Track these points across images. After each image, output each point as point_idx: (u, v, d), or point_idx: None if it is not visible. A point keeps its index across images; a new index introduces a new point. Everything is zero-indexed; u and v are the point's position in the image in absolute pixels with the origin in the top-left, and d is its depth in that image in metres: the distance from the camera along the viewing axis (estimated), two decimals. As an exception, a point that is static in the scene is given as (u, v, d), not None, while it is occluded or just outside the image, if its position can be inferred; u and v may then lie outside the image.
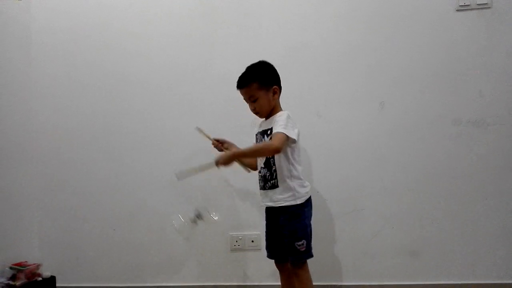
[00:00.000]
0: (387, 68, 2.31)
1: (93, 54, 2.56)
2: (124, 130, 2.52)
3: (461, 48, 2.26)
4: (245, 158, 1.91)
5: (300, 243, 1.76)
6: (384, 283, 2.27)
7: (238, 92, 1.88)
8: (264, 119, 1.93)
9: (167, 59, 2.49)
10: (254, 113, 1.91)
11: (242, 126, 2.22)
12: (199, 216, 1.91)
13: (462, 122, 2.24)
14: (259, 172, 1.90)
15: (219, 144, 2.02)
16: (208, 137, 2.04)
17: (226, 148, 2.00)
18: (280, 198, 1.80)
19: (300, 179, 1.82)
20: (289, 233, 1.79)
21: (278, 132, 1.72)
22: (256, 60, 1.90)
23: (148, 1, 2.51)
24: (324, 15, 2.36)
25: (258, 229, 2.27)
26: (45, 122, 2.58)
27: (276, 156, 1.80)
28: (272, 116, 1.86)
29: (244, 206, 2.34)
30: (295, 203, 1.79)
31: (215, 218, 1.99)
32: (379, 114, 2.30)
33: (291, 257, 1.80)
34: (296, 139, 1.77)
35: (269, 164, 1.83)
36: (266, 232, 1.96)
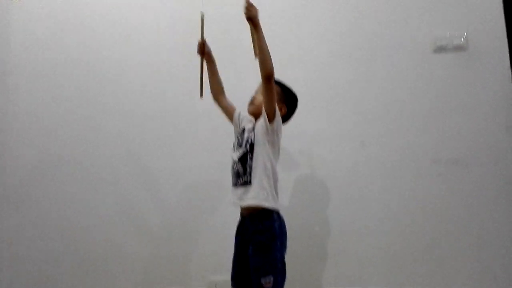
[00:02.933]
0: (368, 108, 2.33)
1: (75, 48, 2.60)
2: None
3: (439, 88, 2.31)
4: (256, 34, 1.72)
5: (266, 279, 1.61)
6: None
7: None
8: (247, 116, 1.88)
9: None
10: (250, 102, 1.86)
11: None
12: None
13: (442, 161, 2.26)
14: (232, 167, 1.79)
15: (203, 46, 1.93)
16: (202, 33, 1.92)
17: (204, 54, 1.93)
18: (251, 196, 1.69)
19: (276, 186, 1.73)
20: (256, 267, 1.64)
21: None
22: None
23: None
24: (305, 54, 2.40)
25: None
26: None
27: (256, 150, 1.71)
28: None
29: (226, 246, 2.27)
30: (264, 206, 1.67)
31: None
32: (360, 153, 2.30)
33: None
34: (280, 128, 1.74)
35: (245, 159, 1.73)
36: (234, 260, 1.79)
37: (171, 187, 2.43)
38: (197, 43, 1.92)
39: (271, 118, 1.71)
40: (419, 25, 2.35)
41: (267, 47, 1.69)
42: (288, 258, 1.74)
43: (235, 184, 1.78)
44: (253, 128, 1.78)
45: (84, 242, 2.45)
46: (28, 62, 2.62)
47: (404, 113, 2.31)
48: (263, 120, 1.73)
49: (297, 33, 2.43)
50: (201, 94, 1.91)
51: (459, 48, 2.30)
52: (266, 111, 1.71)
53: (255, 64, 1.70)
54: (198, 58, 1.93)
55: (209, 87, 1.96)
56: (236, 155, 1.79)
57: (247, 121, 1.88)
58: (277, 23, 2.41)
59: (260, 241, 1.67)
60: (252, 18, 1.70)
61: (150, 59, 2.54)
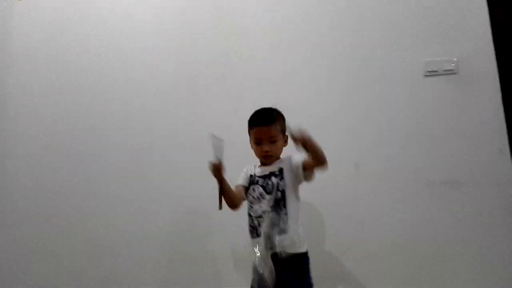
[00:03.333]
0: (362, 131, 2.36)
1: (75, 48, 2.67)
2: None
3: (432, 112, 2.33)
4: (310, 150, 1.64)
5: None
6: None
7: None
8: (252, 168, 1.88)
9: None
10: (264, 155, 1.80)
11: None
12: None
13: (437, 183, 2.26)
14: (260, 217, 1.73)
15: (218, 167, 1.72)
16: (219, 155, 1.71)
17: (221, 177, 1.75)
18: (288, 244, 1.67)
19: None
20: None
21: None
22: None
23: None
24: (298, 79, 2.46)
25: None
26: None
27: (287, 196, 1.74)
28: (279, 160, 1.83)
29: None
30: (301, 251, 1.72)
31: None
32: (355, 176, 2.32)
33: None
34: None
35: (278, 206, 1.72)
36: None
37: (170, 215, 2.46)
38: (212, 163, 1.73)
39: (309, 178, 1.80)
40: (410, 51, 2.40)
41: (320, 150, 1.66)
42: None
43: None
44: (280, 174, 1.78)
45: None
46: (28, 62, 2.70)
47: (397, 136, 2.33)
48: (295, 171, 1.78)
49: (291, 58, 2.49)
50: (220, 207, 1.78)
51: (449, 73, 2.34)
52: (308, 171, 1.77)
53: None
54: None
55: (224, 203, 1.80)
56: (264, 203, 1.75)
57: (254, 169, 1.87)
58: (269, 49, 2.50)
59: (301, 265, 1.71)
60: (309, 146, 1.63)
61: (149, 81, 2.62)
